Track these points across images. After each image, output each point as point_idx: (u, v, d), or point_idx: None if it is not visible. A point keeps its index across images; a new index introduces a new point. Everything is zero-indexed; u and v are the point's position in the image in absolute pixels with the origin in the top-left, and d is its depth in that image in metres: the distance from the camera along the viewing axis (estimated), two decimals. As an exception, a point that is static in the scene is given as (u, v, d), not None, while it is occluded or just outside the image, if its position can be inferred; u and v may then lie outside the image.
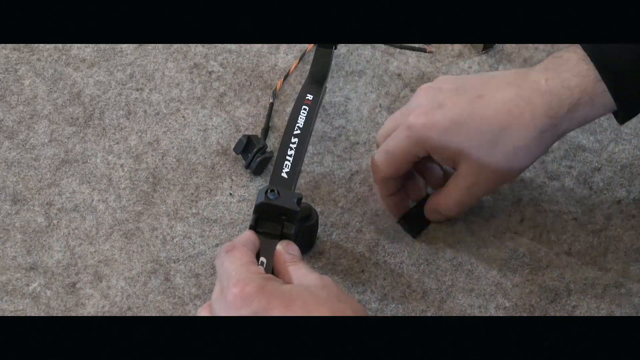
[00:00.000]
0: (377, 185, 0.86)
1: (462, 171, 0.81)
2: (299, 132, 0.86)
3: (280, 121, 0.93)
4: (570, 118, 0.79)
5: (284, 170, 0.82)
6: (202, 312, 0.73)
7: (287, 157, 0.83)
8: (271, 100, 0.94)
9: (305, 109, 0.88)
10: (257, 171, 0.90)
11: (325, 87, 0.93)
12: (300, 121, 0.87)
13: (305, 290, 0.71)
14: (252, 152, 0.89)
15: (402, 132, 0.82)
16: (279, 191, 0.78)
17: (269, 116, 0.93)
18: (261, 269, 0.74)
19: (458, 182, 0.82)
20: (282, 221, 0.78)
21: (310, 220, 0.84)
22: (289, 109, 0.93)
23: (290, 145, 0.84)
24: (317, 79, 0.91)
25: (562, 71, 0.79)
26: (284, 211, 0.77)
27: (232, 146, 0.91)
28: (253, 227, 0.77)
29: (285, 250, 0.76)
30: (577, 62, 0.79)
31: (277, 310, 0.68)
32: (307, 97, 0.89)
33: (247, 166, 0.90)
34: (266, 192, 0.78)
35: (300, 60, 0.97)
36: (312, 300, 0.69)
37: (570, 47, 0.80)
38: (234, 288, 0.69)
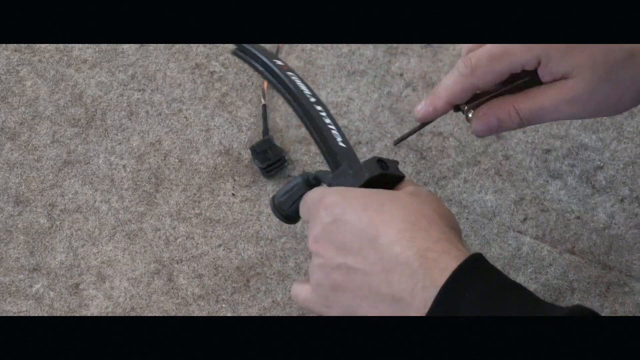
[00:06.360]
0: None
1: (566, 83, 0.73)
2: (314, 99, 0.76)
3: (282, 121, 0.93)
4: None
5: (338, 140, 0.74)
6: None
7: (330, 126, 0.74)
8: (263, 102, 0.93)
9: (291, 74, 0.77)
10: (270, 175, 0.89)
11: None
12: (304, 87, 0.76)
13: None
14: (273, 159, 0.89)
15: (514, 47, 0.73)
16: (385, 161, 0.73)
17: (264, 117, 0.92)
18: None
19: (552, 88, 0.74)
20: None
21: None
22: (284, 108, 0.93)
23: (320, 114, 0.75)
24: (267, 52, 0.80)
25: None
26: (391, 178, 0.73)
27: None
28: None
29: None
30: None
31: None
32: (278, 63, 0.77)
33: (264, 168, 0.89)
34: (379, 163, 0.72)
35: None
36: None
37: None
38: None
